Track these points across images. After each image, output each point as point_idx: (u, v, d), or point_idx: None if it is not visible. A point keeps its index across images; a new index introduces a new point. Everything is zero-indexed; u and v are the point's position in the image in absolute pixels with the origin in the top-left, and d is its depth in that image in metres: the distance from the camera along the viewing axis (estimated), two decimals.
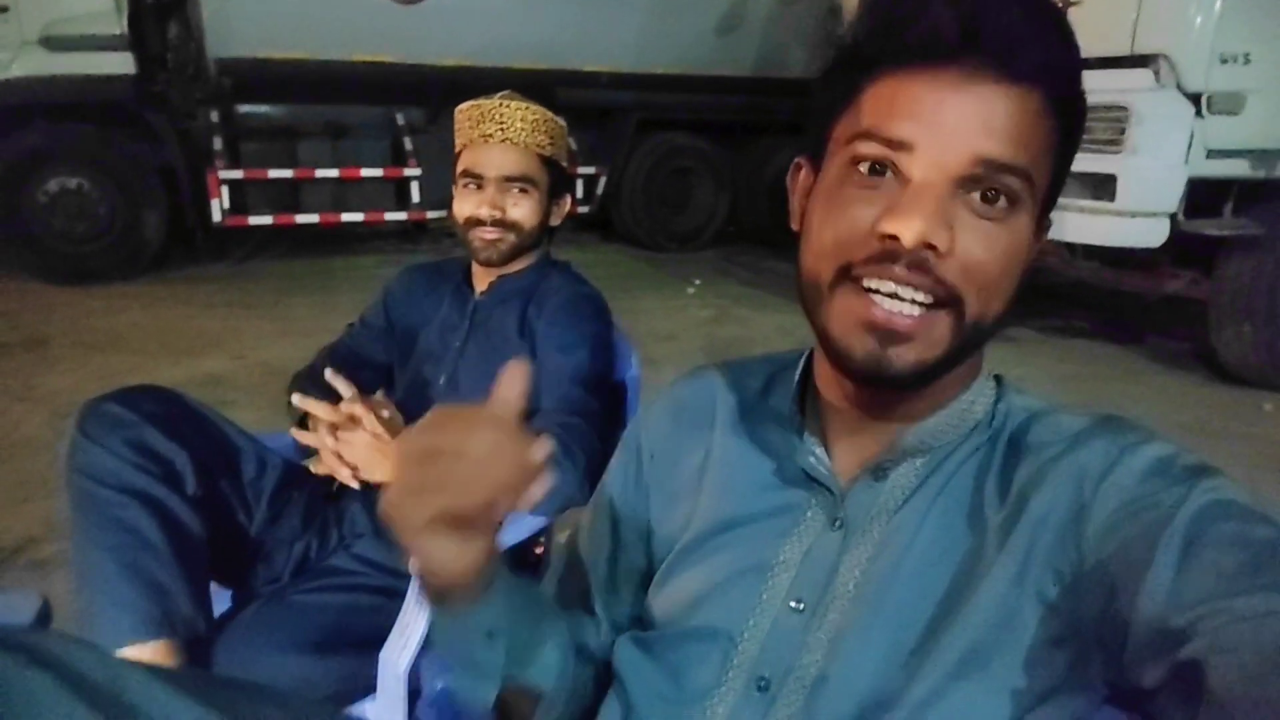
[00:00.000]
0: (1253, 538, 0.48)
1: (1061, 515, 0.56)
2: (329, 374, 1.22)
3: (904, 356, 0.57)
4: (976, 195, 0.55)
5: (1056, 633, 0.55)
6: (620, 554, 0.77)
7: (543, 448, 0.53)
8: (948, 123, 0.54)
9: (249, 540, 1.25)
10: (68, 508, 1.09)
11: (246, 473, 1.26)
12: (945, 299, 0.56)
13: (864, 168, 0.57)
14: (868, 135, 0.56)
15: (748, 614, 0.64)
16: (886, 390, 0.61)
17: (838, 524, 0.63)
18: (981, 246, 0.55)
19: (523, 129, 1.34)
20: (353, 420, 1.17)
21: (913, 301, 0.55)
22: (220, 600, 1.28)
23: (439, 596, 0.60)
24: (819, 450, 0.66)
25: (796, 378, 0.70)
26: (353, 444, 1.17)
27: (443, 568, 0.57)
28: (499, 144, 1.34)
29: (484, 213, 1.35)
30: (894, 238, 0.54)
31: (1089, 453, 0.57)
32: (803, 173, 0.65)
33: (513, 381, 0.55)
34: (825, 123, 0.61)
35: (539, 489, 0.53)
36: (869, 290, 0.56)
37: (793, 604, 0.63)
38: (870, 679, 0.58)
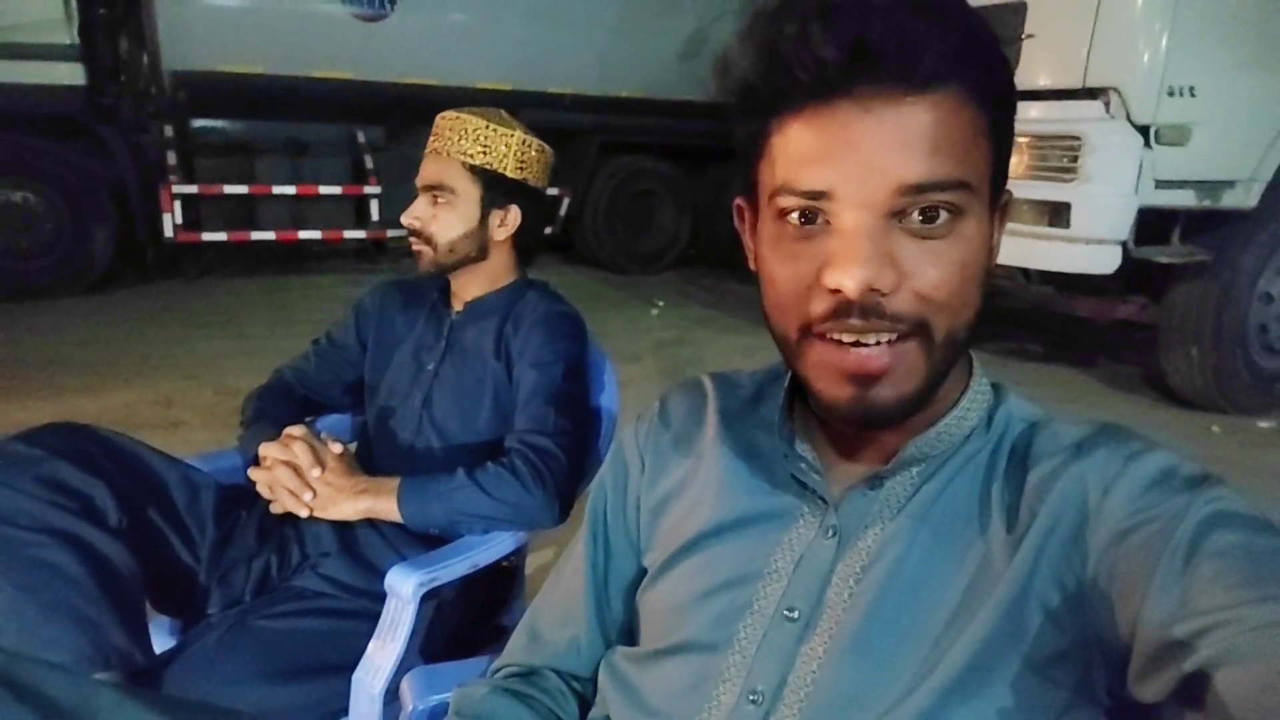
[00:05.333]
0: (1257, 548, 0.48)
1: (1066, 527, 0.55)
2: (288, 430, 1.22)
3: (884, 395, 0.56)
4: (915, 217, 0.53)
5: (1060, 648, 0.54)
6: (611, 563, 0.76)
7: None
8: (860, 159, 0.52)
9: (195, 567, 1.19)
10: None
11: (179, 500, 1.20)
12: (909, 330, 0.55)
13: (794, 219, 0.55)
14: (785, 190, 0.55)
15: (738, 625, 0.62)
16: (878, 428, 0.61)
17: (831, 532, 0.62)
18: (932, 268, 0.54)
19: (450, 138, 1.31)
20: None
21: (877, 343, 0.55)
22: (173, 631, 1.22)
23: None
24: (810, 457, 0.65)
25: (784, 387, 0.69)
26: (277, 475, 1.17)
27: None
28: (429, 154, 1.33)
29: (405, 220, 1.34)
30: (839, 291, 0.53)
31: (1092, 463, 0.56)
32: (746, 214, 0.64)
33: None
34: (748, 167, 0.60)
35: None
36: (835, 340, 0.55)
37: (786, 613, 0.61)
38: (868, 692, 0.56)
